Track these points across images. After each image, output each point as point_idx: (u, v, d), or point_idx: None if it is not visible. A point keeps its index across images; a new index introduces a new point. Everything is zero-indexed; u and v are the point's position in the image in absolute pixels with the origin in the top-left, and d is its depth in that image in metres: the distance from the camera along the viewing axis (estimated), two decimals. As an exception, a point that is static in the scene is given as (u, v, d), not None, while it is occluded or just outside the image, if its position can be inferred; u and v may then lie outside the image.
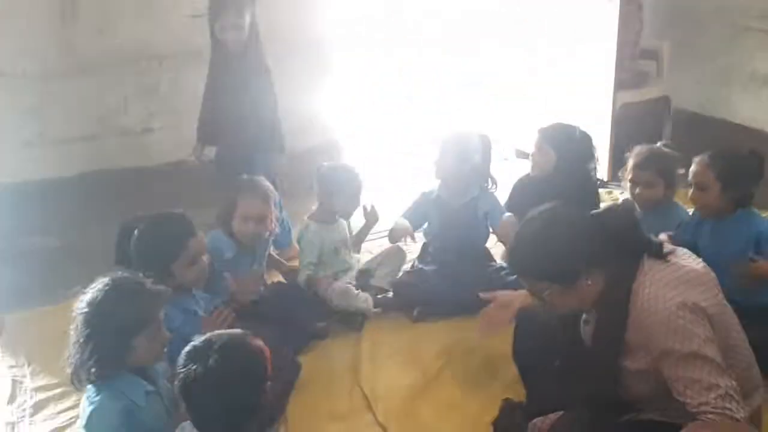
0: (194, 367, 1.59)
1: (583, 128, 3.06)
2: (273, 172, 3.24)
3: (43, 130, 4.06)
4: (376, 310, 3.02)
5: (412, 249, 3.28)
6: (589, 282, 1.83)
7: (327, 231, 3.05)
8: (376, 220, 3.17)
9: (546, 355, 2.20)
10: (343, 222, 3.14)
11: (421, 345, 2.80)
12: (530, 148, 3.10)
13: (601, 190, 3.57)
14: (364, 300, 2.95)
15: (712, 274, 1.90)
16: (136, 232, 2.25)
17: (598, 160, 3.11)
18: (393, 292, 3.05)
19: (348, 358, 2.76)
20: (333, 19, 4.53)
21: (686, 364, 1.71)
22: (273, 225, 2.85)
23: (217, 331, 1.74)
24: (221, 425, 1.62)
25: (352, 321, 2.96)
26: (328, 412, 2.47)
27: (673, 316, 1.73)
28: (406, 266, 3.23)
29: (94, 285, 1.86)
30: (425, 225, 3.24)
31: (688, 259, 1.90)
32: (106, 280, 1.87)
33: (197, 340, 1.69)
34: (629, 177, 2.91)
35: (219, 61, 3.26)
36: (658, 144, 2.96)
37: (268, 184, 2.85)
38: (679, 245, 2.02)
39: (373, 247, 3.42)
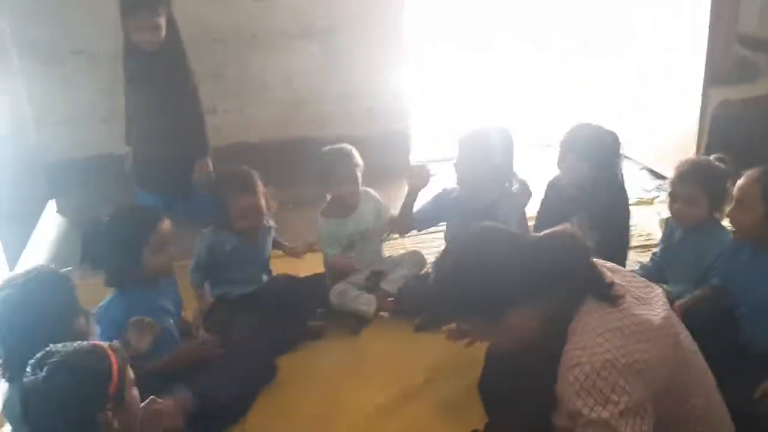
0: (32, 377, 1.49)
1: (610, 128, 2.67)
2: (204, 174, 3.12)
3: (115, 107, 4.27)
4: (383, 314, 2.87)
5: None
6: (517, 318, 1.57)
7: (338, 225, 2.92)
8: (424, 184, 2.86)
9: (510, 392, 1.96)
10: (363, 213, 2.97)
11: (411, 358, 2.61)
12: (556, 159, 2.74)
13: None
14: (366, 303, 2.81)
15: (674, 327, 1.57)
16: (106, 220, 2.26)
17: (622, 159, 2.71)
18: (398, 297, 2.87)
19: (333, 362, 2.64)
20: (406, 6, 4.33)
21: None
22: (271, 206, 2.79)
23: (71, 344, 1.57)
24: None
25: (350, 323, 2.83)
26: (295, 416, 2.37)
27: (592, 373, 1.43)
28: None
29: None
30: (443, 225, 3.02)
31: (645, 306, 1.57)
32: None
33: (45, 350, 1.55)
34: (669, 190, 2.51)
35: (134, 65, 3.04)
36: (712, 156, 2.51)
37: (251, 173, 2.75)
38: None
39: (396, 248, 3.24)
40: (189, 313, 2.72)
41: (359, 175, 2.87)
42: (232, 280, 2.80)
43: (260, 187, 2.73)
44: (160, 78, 2.97)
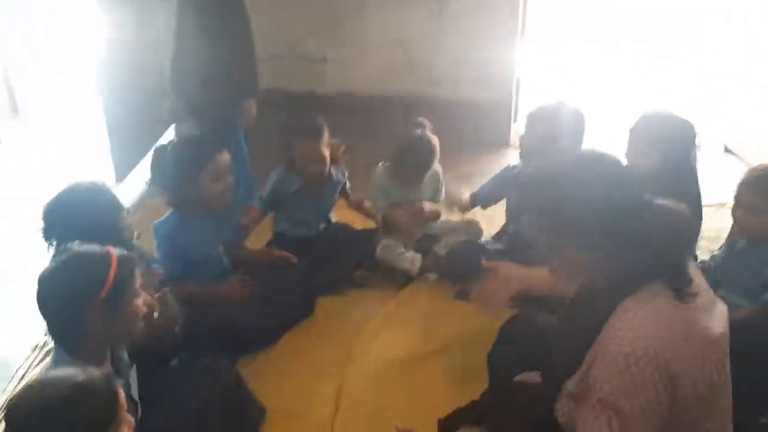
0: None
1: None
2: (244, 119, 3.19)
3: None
4: (430, 275, 2.93)
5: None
6: (581, 260, 1.49)
7: (395, 185, 2.99)
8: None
9: (519, 369, 1.97)
10: (424, 185, 3.02)
11: (438, 322, 2.65)
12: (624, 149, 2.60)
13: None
14: (410, 260, 2.88)
15: (726, 347, 1.49)
16: (169, 148, 2.48)
17: (699, 147, 2.51)
18: (444, 260, 2.91)
19: (366, 312, 2.75)
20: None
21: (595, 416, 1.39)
22: (337, 159, 2.91)
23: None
24: None
25: (397, 279, 2.92)
26: (314, 354, 2.53)
27: (637, 360, 1.35)
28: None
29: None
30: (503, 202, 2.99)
31: (707, 316, 1.47)
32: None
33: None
34: (735, 194, 2.33)
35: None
36: None
37: (319, 121, 2.83)
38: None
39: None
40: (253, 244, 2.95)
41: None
42: (292, 220, 2.98)
43: (326, 138, 2.82)
44: (214, 14, 3.01)
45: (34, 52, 6.04)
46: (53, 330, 1.70)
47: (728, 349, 1.51)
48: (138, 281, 1.76)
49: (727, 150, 4.32)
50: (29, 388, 1.37)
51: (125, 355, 1.88)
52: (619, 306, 1.43)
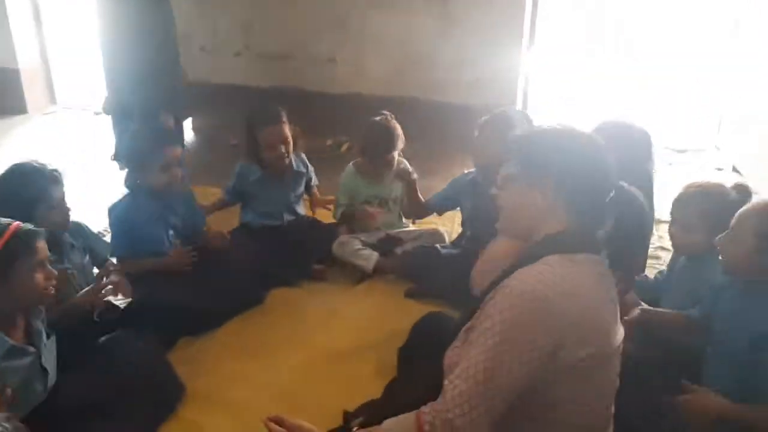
0: None
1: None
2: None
3: (249, 43, 4.70)
4: (391, 274, 2.96)
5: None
6: (537, 196, 1.52)
7: (362, 184, 3.04)
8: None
9: (423, 362, 1.99)
10: (393, 184, 3.07)
11: (383, 319, 2.68)
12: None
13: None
14: (365, 258, 2.92)
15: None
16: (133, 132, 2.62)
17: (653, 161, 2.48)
18: (399, 259, 2.94)
19: (315, 304, 2.80)
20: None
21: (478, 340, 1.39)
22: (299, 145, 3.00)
23: None
24: None
25: (355, 275, 2.96)
26: (256, 339, 2.60)
27: (527, 296, 1.38)
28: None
29: None
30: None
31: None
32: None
33: None
34: (671, 210, 2.27)
35: None
36: (732, 184, 2.22)
37: (278, 108, 2.93)
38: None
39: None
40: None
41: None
42: (256, 211, 3.07)
43: (285, 123, 2.92)
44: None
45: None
46: None
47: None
48: (40, 255, 1.87)
49: (734, 170, 4.18)
50: None
51: (40, 325, 1.99)
52: (543, 258, 1.46)
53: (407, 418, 1.46)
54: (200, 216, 2.88)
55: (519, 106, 4.49)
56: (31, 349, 1.93)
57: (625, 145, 2.42)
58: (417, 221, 3.19)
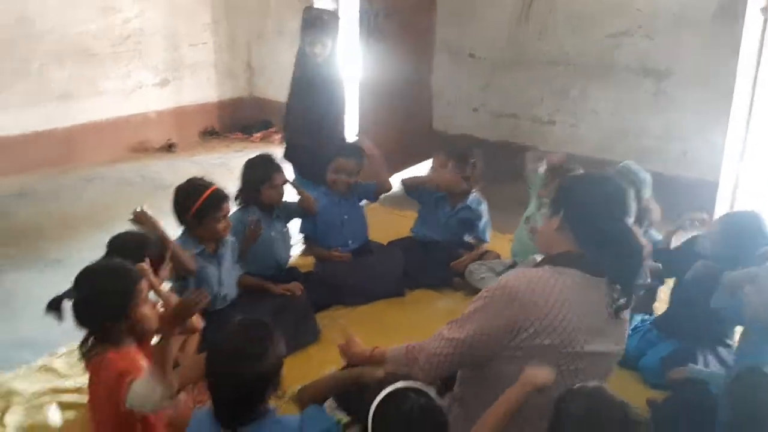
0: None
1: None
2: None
3: (485, 102, 5.46)
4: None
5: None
6: (557, 228, 1.93)
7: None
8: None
9: None
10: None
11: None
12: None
13: None
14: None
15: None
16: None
17: None
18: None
19: (445, 304, 3.44)
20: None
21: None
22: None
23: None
24: None
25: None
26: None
27: (497, 286, 1.84)
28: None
29: None
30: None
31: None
32: None
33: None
34: None
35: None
36: None
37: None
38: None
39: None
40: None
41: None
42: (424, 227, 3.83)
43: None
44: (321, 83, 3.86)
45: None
46: None
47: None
48: (224, 211, 2.78)
49: None
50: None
51: (223, 251, 2.91)
52: (540, 267, 1.88)
53: (400, 347, 2.02)
54: (362, 219, 3.72)
55: (722, 182, 4.49)
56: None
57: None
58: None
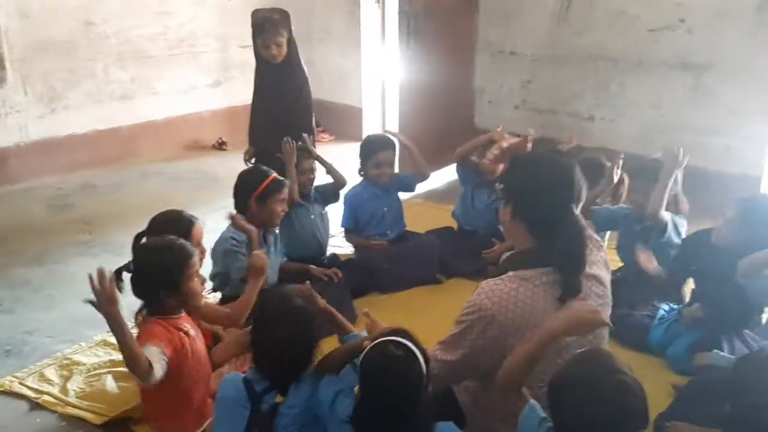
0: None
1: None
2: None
3: (526, 99, 5.54)
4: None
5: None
6: (510, 219, 2.00)
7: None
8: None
9: None
10: None
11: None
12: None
13: None
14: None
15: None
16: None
17: None
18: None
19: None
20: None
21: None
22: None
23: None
24: None
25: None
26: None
27: (473, 308, 1.93)
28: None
29: None
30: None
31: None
32: None
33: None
34: None
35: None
36: None
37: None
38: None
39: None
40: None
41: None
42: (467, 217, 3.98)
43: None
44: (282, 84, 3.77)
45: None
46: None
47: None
48: (282, 195, 3.02)
49: None
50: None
51: (270, 239, 3.12)
52: (504, 274, 1.94)
53: None
54: (401, 210, 3.86)
55: (766, 177, 4.46)
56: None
57: None
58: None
